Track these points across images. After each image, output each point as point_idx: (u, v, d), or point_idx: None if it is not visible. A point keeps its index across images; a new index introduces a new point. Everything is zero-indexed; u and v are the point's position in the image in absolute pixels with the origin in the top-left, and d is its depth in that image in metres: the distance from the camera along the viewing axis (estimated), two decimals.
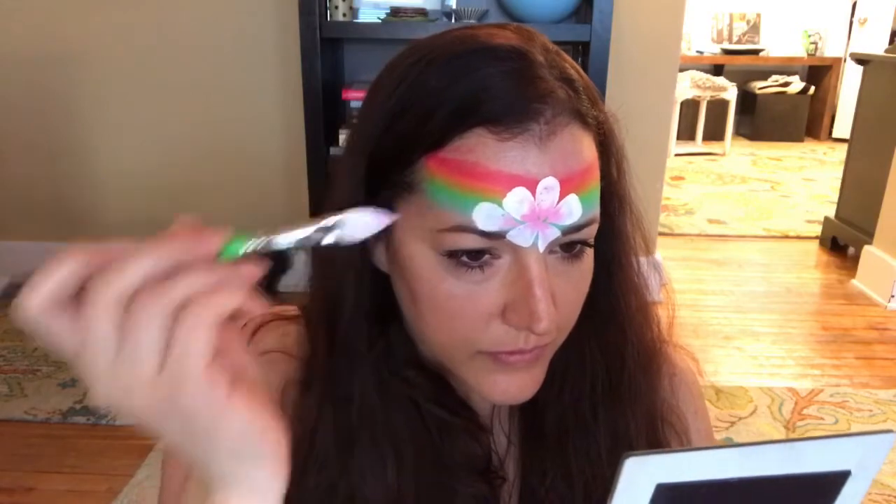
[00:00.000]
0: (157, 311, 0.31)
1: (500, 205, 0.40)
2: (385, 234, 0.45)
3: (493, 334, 0.44)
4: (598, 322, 0.51)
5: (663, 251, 2.89)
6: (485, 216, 0.40)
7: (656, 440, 0.54)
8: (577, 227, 0.43)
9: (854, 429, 1.76)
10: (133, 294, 0.31)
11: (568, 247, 0.44)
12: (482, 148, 0.40)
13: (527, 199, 0.40)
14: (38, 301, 0.31)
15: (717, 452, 0.27)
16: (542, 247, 0.42)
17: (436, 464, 0.49)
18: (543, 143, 0.41)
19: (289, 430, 0.43)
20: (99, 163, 2.50)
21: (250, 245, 0.36)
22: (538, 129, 0.41)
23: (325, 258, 0.48)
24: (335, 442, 0.48)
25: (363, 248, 0.47)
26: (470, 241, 0.41)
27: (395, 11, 2.04)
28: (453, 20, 2.13)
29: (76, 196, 2.53)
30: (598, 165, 0.44)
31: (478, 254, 0.42)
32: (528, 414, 0.53)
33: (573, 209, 0.42)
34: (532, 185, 0.40)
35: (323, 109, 2.00)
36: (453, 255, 0.42)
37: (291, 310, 0.55)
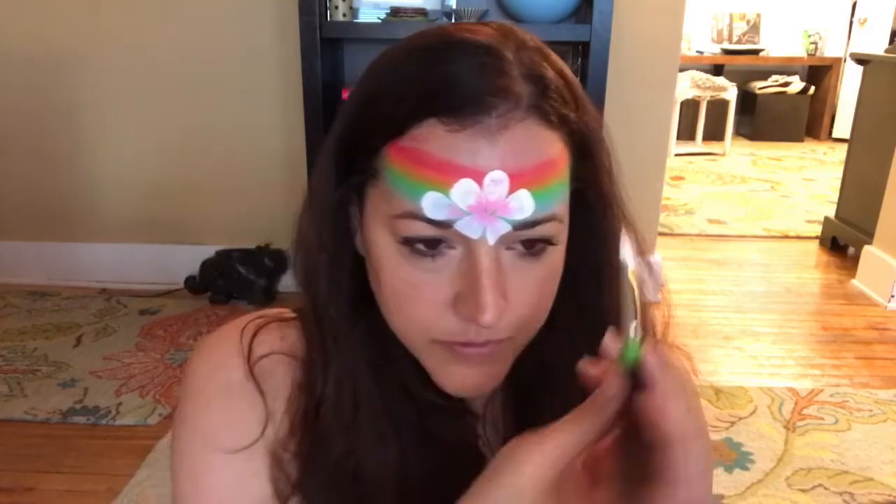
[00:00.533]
0: None
1: (446, 194, 0.41)
2: (360, 220, 0.47)
3: (447, 324, 0.45)
4: (590, 326, 0.50)
5: (663, 251, 2.89)
6: (432, 205, 0.41)
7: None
8: (531, 224, 0.43)
9: (854, 428, 1.76)
10: None
11: (529, 244, 0.44)
12: (434, 138, 0.41)
13: (473, 191, 0.41)
14: None
15: None
16: (490, 240, 0.42)
17: (428, 441, 0.50)
18: (494, 137, 0.41)
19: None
20: (98, 163, 2.50)
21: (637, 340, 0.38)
22: (489, 123, 0.41)
23: (304, 244, 0.50)
24: (340, 421, 0.49)
25: (343, 232, 0.49)
26: (420, 229, 0.42)
27: (395, 11, 2.04)
28: (453, 20, 2.13)
29: (76, 196, 2.53)
30: (563, 165, 0.44)
31: (433, 242, 0.43)
32: (521, 414, 0.54)
33: (524, 204, 0.42)
34: (480, 177, 0.41)
35: (323, 109, 2.00)
36: (408, 241, 0.43)
37: (287, 312, 0.56)
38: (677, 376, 0.59)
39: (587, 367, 0.39)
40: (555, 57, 0.47)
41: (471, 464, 0.51)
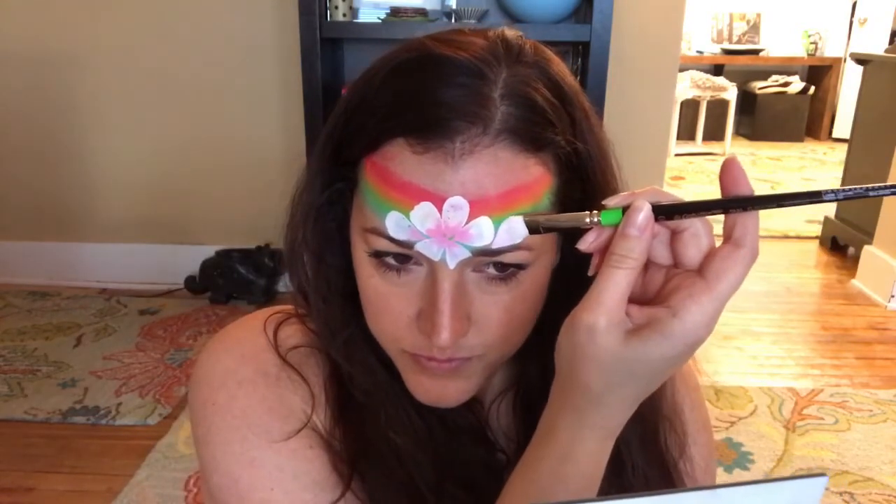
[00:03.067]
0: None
1: (407, 216, 0.41)
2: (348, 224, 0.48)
3: (411, 337, 0.45)
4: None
5: None
6: (394, 224, 0.42)
7: (652, 433, 0.54)
8: (494, 252, 0.42)
9: (854, 428, 1.77)
10: None
11: (500, 267, 0.44)
12: (399, 157, 0.42)
13: (432, 215, 0.41)
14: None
15: (633, 500, 0.26)
16: (451, 264, 0.42)
17: (445, 426, 0.51)
18: (456, 163, 0.40)
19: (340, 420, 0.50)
20: (99, 163, 2.50)
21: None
22: (452, 148, 0.40)
23: (291, 243, 0.51)
24: (369, 405, 0.51)
25: (330, 233, 0.50)
26: (383, 245, 0.43)
27: (395, 11, 2.04)
28: (453, 20, 2.13)
29: (76, 196, 2.53)
30: (541, 190, 0.43)
31: (402, 258, 0.44)
32: (527, 416, 0.54)
33: (483, 232, 0.41)
34: (440, 202, 0.41)
35: (323, 109, 2.00)
36: (377, 254, 0.44)
37: (300, 309, 0.56)
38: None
39: (584, 242, 0.40)
40: (556, 71, 0.45)
41: (484, 446, 0.52)
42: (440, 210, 0.41)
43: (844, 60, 5.90)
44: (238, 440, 0.48)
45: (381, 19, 2.07)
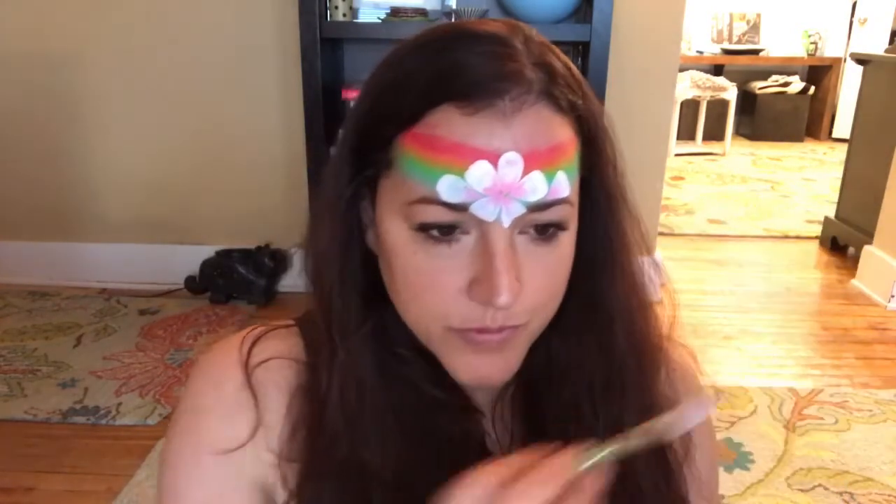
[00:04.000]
0: None
1: (462, 177, 0.41)
2: (373, 214, 0.48)
3: (461, 310, 0.45)
4: (597, 320, 0.51)
5: (663, 251, 2.89)
6: (447, 188, 0.42)
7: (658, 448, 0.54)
8: (544, 206, 0.43)
9: (854, 428, 1.77)
10: None
11: (541, 229, 0.44)
12: (447, 123, 0.42)
13: (489, 173, 0.41)
14: None
15: None
16: (506, 222, 0.43)
17: (433, 439, 0.50)
18: (508, 120, 0.42)
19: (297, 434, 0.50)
20: (99, 163, 2.50)
21: (604, 456, 0.41)
22: (503, 106, 0.42)
23: (315, 238, 0.50)
24: (344, 420, 0.50)
25: (354, 227, 0.49)
26: (436, 213, 0.43)
27: (395, 11, 2.04)
28: (453, 20, 2.13)
29: (76, 196, 2.53)
30: (573, 150, 0.45)
31: (448, 228, 0.43)
32: (530, 410, 0.54)
33: (537, 185, 0.42)
34: (494, 159, 0.41)
35: (323, 109, 2.00)
36: (423, 228, 0.44)
37: (288, 322, 0.57)
38: (681, 373, 0.60)
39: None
40: (559, 51, 0.47)
41: (476, 461, 0.51)
42: (496, 167, 0.41)
43: (844, 60, 5.90)
44: (181, 460, 0.54)
45: (381, 19, 2.07)
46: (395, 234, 0.45)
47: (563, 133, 0.44)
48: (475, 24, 0.46)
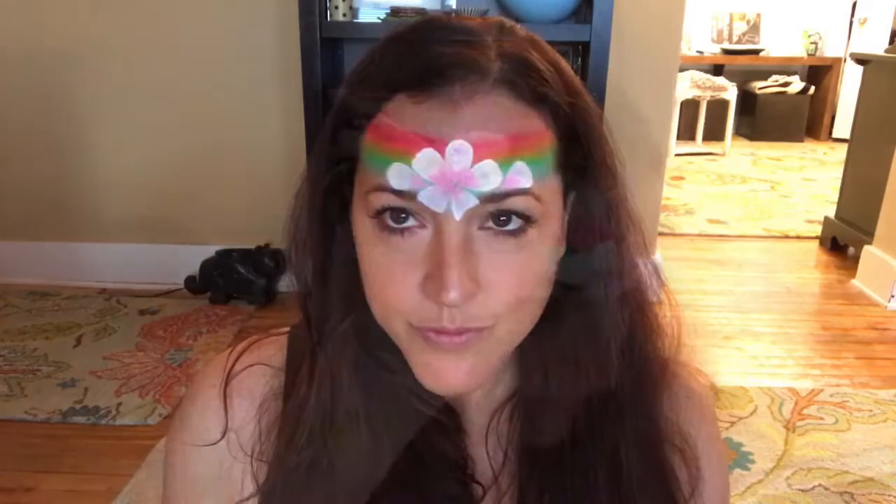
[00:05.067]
0: None
1: (409, 164, 0.41)
2: (350, 209, 0.47)
3: (419, 307, 0.43)
4: (593, 334, 0.49)
5: (663, 251, 2.89)
6: (396, 175, 0.41)
7: (656, 462, 0.53)
8: (500, 196, 0.41)
9: (854, 428, 1.76)
10: None
11: (501, 221, 0.42)
12: (401, 111, 0.42)
13: (436, 161, 0.40)
14: None
15: None
16: (457, 214, 0.41)
17: (410, 451, 0.49)
18: (459, 107, 0.41)
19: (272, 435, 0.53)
20: (99, 163, 2.50)
21: None
22: (454, 92, 0.41)
23: (295, 232, 0.51)
24: (318, 419, 0.49)
25: (331, 219, 0.48)
26: (387, 200, 0.42)
27: (395, 11, 2.04)
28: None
29: (76, 196, 2.53)
30: (542, 142, 0.43)
31: (400, 216, 0.42)
32: (526, 429, 0.52)
33: (489, 174, 0.40)
34: (442, 147, 0.40)
35: (323, 109, 2.00)
36: (377, 214, 0.43)
37: (283, 328, 0.58)
38: (696, 400, 0.59)
39: None
40: (550, 50, 0.46)
41: (449, 486, 0.51)
42: (444, 156, 0.40)
43: (844, 60, 5.90)
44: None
45: (381, 19, 2.07)
46: (359, 225, 0.45)
47: (527, 123, 0.42)
48: (450, 18, 0.45)
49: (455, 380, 0.45)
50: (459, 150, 0.40)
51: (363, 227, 0.45)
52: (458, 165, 0.40)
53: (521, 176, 0.41)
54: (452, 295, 0.41)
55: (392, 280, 0.43)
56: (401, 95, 0.42)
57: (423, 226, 0.43)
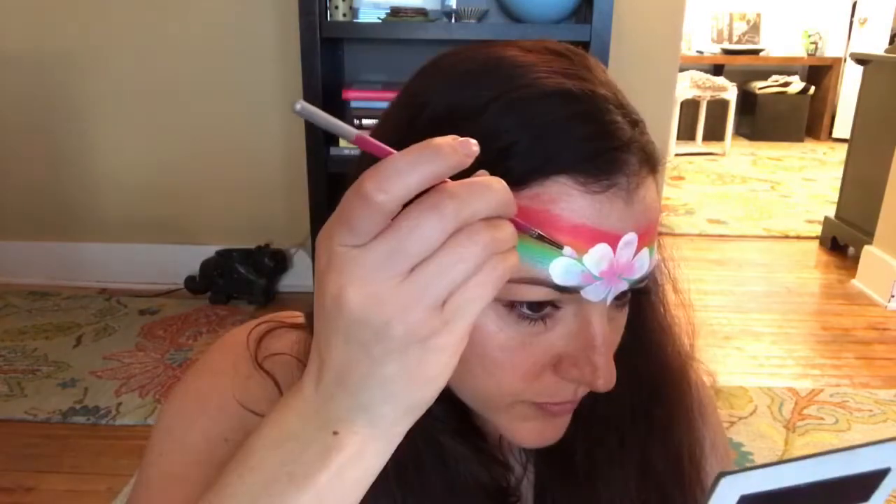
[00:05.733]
0: (480, 250, 0.30)
1: (580, 261, 0.37)
2: None
3: (542, 385, 0.41)
4: (624, 352, 0.49)
5: (663, 251, 2.89)
6: (563, 271, 0.37)
7: (679, 467, 0.53)
8: (642, 279, 0.41)
9: (854, 428, 1.76)
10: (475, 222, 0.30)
11: (621, 295, 0.41)
12: (567, 199, 0.37)
13: (607, 256, 0.38)
14: (403, 194, 0.29)
15: (795, 464, 0.31)
16: (609, 301, 0.40)
17: (446, 488, 0.47)
18: (630, 197, 0.38)
19: None
20: (99, 163, 2.50)
21: None
22: (625, 182, 0.38)
23: None
24: None
25: None
26: (541, 294, 0.39)
27: (395, 11, 2.04)
28: (453, 20, 2.13)
29: (76, 196, 2.53)
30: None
31: (539, 305, 0.39)
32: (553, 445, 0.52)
33: (644, 263, 0.40)
34: (614, 241, 0.38)
35: (323, 109, 1.99)
36: (514, 305, 0.39)
37: (297, 315, 0.54)
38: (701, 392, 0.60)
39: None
40: (604, 70, 0.43)
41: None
42: (615, 250, 0.38)
43: (844, 60, 5.90)
44: (185, 409, 0.49)
45: (381, 19, 2.07)
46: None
47: (659, 199, 0.41)
48: (538, 72, 0.39)
49: (556, 436, 0.45)
50: (630, 244, 0.39)
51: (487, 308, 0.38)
52: (625, 258, 0.39)
53: (655, 256, 0.41)
54: (603, 381, 0.39)
55: (517, 362, 0.41)
56: (563, 178, 0.37)
57: (558, 307, 0.40)
